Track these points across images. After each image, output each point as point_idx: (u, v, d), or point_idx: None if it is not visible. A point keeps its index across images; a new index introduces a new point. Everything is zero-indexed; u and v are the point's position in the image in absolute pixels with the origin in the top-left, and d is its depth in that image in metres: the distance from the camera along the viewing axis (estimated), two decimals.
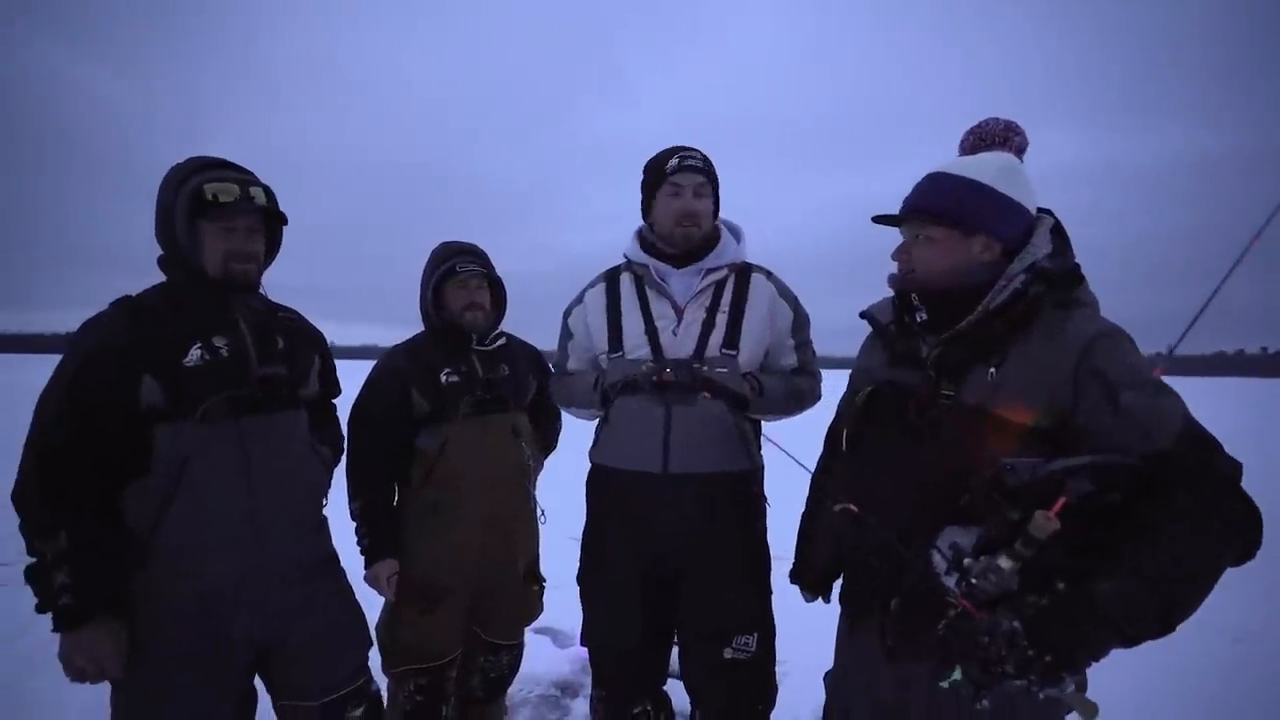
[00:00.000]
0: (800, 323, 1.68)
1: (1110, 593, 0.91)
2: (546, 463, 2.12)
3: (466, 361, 1.83)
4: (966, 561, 0.95)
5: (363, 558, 1.76)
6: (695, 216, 1.60)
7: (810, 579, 1.42)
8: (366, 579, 1.73)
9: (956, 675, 0.95)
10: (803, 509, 1.47)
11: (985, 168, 1.13)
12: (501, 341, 1.93)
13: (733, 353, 1.57)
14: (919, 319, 1.16)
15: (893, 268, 1.23)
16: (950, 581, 0.99)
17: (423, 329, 1.91)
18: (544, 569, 2.04)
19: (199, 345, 1.30)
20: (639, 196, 1.71)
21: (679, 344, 1.58)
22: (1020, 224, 1.13)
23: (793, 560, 1.47)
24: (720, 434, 1.54)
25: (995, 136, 1.19)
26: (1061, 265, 1.12)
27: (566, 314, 1.80)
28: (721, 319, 1.59)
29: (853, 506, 1.09)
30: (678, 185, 1.61)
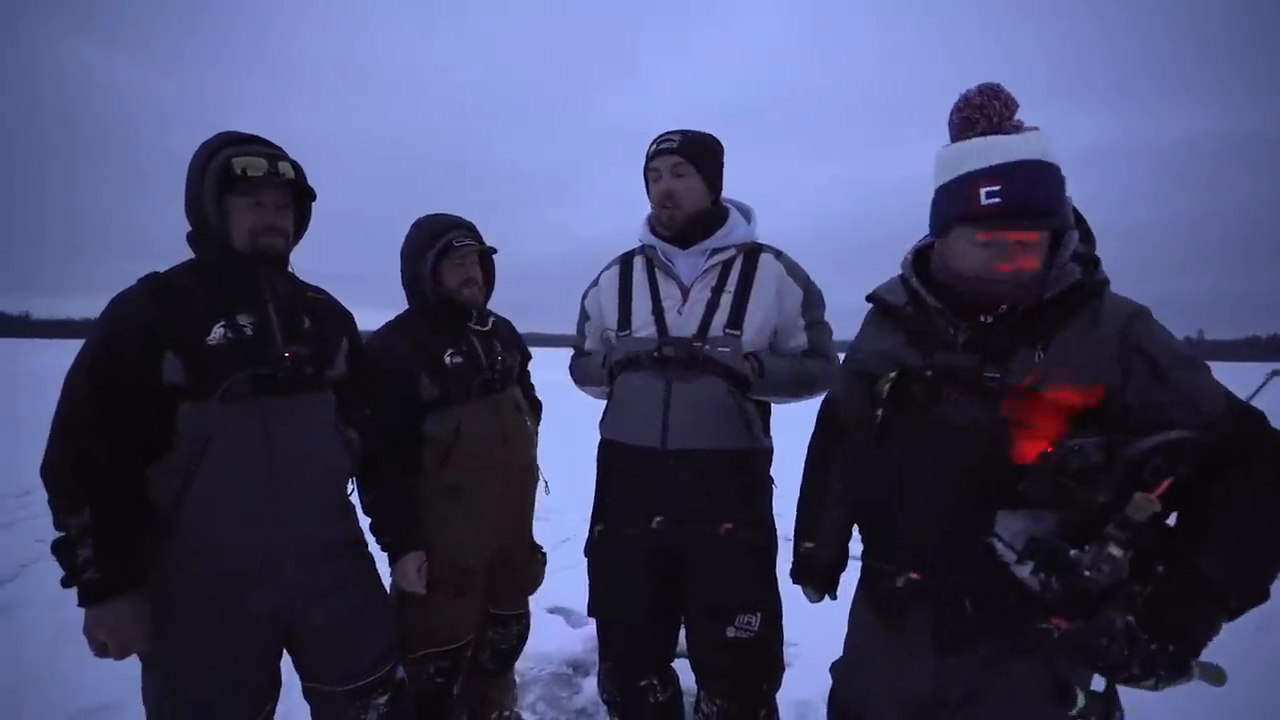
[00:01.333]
0: (811, 301, 1.66)
1: (1213, 567, 0.89)
2: (565, 443, 2.12)
3: (466, 341, 1.81)
4: (1073, 554, 0.91)
5: (386, 553, 1.67)
6: (672, 197, 1.62)
7: (818, 579, 1.39)
8: (394, 575, 1.68)
9: (1082, 703, 0.93)
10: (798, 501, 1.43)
11: (1052, 149, 1.05)
12: (493, 320, 1.92)
13: (736, 332, 1.58)
14: (986, 319, 1.09)
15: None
16: (1024, 572, 0.96)
17: (408, 308, 1.85)
18: (561, 549, 2.06)
19: (223, 323, 1.30)
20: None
21: (683, 323, 1.60)
22: None
23: (792, 558, 1.43)
24: (720, 412, 1.55)
25: (1011, 102, 1.10)
26: (1088, 250, 1.10)
27: (584, 296, 1.85)
28: (726, 299, 1.60)
29: (915, 574, 1.07)
30: (656, 169, 1.65)
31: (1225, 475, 0.93)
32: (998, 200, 1.01)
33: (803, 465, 1.48)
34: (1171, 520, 0.99)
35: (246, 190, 1.32)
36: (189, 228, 1.37)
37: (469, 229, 1.83)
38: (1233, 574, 0.90)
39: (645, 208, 1.74)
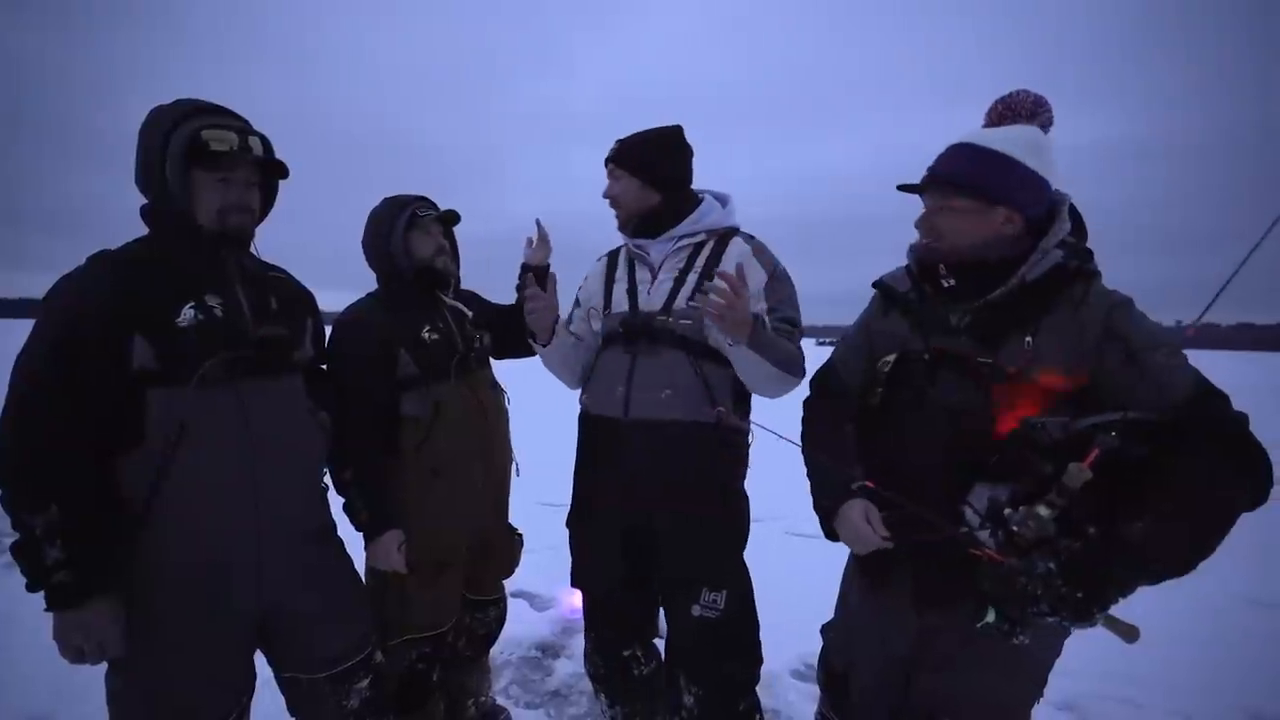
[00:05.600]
0: (775, 287, 1.65)
1: (1138, 534, 0.98)
2: (521, 426, 2.09)
3: (441, 318, 1.79)
4: (1006, 511, 1.02)
5: (361, 532, 1.66)
6: (612, 200, 1.76)
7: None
8: (370, 553, 1.65)
9: (990, 618, 1.03)
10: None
11: (1013, 141, 1.16)
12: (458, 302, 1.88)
13: (698, 306, 1.59)
14: (945, 285, 1.19)
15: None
16: (984, 534, 1.05)
17: (380, 287, 1.82)
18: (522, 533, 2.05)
19: (192, 304, 1.23)
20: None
21: (651, 300, 1.68)
22: (1043, 199, 1.17)
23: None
24: (680, 383, 1.59)
25: (1023, 109, 1.25)
26: (1078, 243, 1.19)
27: (579, 288, 1.91)
28: (692, 277, 1.67)
29: (869, 483, 1.13)
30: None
31: (1175, 450, 1.02)
32: (925, 175, 1.22)
33: (802, 436, 1.42)
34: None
35: (214, 165, 1.25)
36: (141, 201, 1.28)
37: (430, 202, 1.85)
38: (1157, 544, 0.98)
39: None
